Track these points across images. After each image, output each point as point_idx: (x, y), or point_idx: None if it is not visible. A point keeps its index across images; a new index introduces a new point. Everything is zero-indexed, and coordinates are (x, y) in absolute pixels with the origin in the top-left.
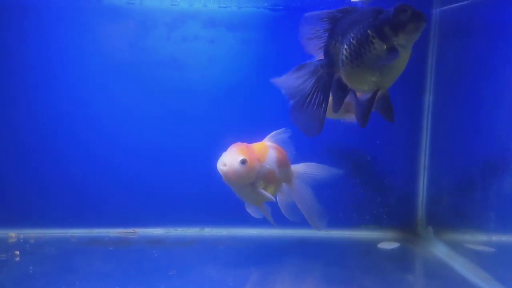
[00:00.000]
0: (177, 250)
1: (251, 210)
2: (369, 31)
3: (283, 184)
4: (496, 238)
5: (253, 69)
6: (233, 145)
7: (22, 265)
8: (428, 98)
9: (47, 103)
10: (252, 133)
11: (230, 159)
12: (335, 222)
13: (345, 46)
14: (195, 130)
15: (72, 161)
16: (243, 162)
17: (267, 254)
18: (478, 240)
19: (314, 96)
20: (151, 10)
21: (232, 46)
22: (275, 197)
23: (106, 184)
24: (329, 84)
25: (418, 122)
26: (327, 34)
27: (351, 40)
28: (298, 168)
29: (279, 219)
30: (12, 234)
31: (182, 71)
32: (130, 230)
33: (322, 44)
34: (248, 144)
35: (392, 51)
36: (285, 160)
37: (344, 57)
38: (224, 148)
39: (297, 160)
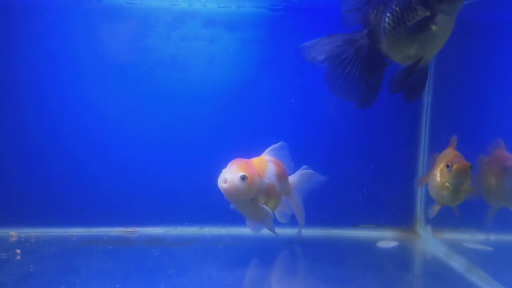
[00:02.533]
0: (177, 249)
1: (251, 226)
2: None
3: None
4: (494, 237)
5: (252, 68)
6: (232, 161)
7: (22, 264)
8: (428, 98)
9: (48, 103)
10: (251, 132)
11: (231, 176)
12: (334, 221)
13: (388, 14)
14: (194, 129)
15: (73, 160)
16: (243, 178)
17: (267, 253)
18: (477, 239)
19: (354, 68)
20: (151, 10)
21: (232, 46)
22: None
23: (106, 184)
24: (369, 55)
25: (418, 122)
26: (367, 6)
27: (394, 7)
28: (294, 179)
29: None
30: (13, 233)
31: (182, 70)
32: (130, 229)
33: (361, 16)
34: (247, 159)
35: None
36: (284, 173)
37: (386, 25)
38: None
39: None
